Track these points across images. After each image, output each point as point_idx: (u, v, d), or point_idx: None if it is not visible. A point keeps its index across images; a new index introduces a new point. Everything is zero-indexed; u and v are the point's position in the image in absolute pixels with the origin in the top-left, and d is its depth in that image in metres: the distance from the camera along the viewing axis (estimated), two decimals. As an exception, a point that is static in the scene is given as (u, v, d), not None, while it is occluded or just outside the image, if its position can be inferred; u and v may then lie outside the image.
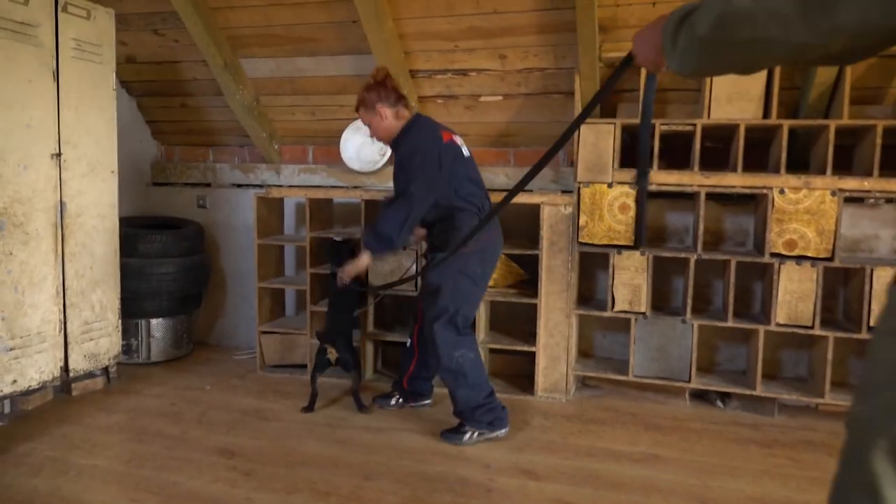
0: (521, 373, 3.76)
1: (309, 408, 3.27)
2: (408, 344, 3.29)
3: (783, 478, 2.62)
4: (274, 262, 4.12)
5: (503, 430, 2.94)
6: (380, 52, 3.58)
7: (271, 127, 4.37)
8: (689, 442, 2.99)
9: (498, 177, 3.95)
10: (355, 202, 4.03)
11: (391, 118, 2.94)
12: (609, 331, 3.80)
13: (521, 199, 3.51)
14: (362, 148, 4.13)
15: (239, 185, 4.55)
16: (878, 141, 3.05)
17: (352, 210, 4.17)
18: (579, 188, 3.44)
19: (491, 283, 3.56)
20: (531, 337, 3.55)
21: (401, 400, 3.35)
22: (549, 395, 3.51)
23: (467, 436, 2.90)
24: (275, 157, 4.45)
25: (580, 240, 3.46)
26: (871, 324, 3.09)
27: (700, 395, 3.59)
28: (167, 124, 4.66)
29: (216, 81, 4.09)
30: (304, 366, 3.88)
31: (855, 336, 3.14)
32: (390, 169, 4.08)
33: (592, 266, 3.76)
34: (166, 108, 4.54)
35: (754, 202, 3.51)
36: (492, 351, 3.92)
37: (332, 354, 3.19)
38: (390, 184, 4.05)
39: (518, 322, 3.85)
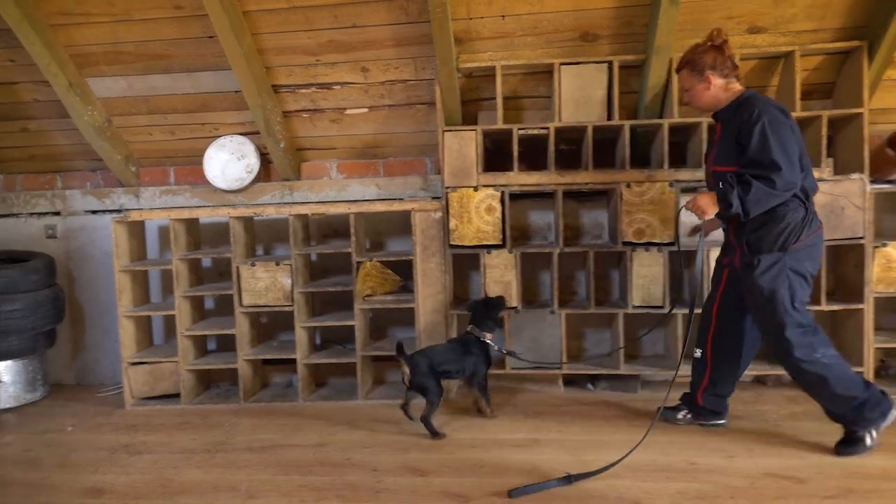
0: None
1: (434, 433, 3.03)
2: (698, 355, 2.97)
3: (647, 444, 2.84)
4: (138, 288, 3.91)
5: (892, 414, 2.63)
6: (239, 68, 3.53)
7: (126, 149, 4.16)
8: (564, 424, 3.16)
9: (368, 188, 4.00)
10: (223, 221, 3.92)
11: (719, 89, 2.66)
12: (486, 329, 3.94)
13: (391, 206, 3.59)
14: (227, 166, 4.03)
15: (94, 212, 4.27)
16: (704, 136, 3.42)
17: (220, 230, 4.04)
18: (447, 193, 3.57)
19: (368, 291, 3.60)
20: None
21: (689, 415, 3.02)
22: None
23: (868, 440, 2.61)
24: (132, 179, 4.23)
25: (451, 242, 3.58)
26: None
27: (572, 381, 3.81)
28: (6, 151, 4.29)
29: (61, 103, 3.84)
30: (177, 395, 3.70)
31: (698, 311, 3.46)
32: (259, 186, 4.02)
33: (465, 267, 3.90)
34: (4, 133, 4.18)
35: (606, 197, 3.81)
36: (374, 359, 3.94)
37: (405, 374, 3.01)
38: (262, 199, 3.99)
39: (398, 328, 3.91)
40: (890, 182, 3.48)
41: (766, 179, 2.46)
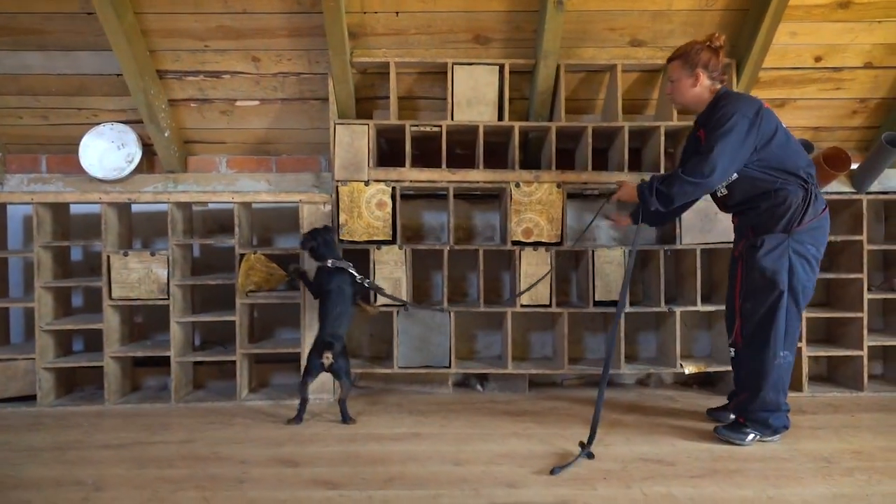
0: (296, 369, 3.66)
1: (297, 418, 3.01)
2: (732, 353, 2.87)
3: (528, 437, 2.84)
4: (-6, 281, 3.58)
5: (779, 436, 2.75)
6: (120, 48, 3.36)
7: (-8, 132, 3.85)
8: (447, 420, 3.12)
9: (259, 183, 3.87)
10: (98, 213, 3.67)
11: (705, 89, 2.73)
12: (374, 327, 3.87)
13: (279, 198, 3.49)
14: (106, 154, 3.80)
15: (-51, 200, 3.90)
16: (590, 141, 3.55)
17: (94, 222, 3.78)
18: (337, 187, 3.51)
19: (251, 287, 3.46)
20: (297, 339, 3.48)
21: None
22: (317, 396, 3.45)
23: (749, 437, 2.70)
24: (-4, 165, 3.91)
25: (341, 237, 3.51)
26: (597, 299, 3.53)
27: (462, 383, 3.78)
28: None
29: (-87, 76, 3.52)
30: (33, 397, 3.38)
31: (584, 310, 3.55)
32: (140, 177, 3.81)
33: (355, 263, 3.79)
34: None
35: (499, 200, 3.86)
36: (257, 360, 3.77)
37: (328, 359, 2.94)
38: (145, 189, 3.77)
39: (286, 328, 3.77)
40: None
41: (697, 171, 2.59)
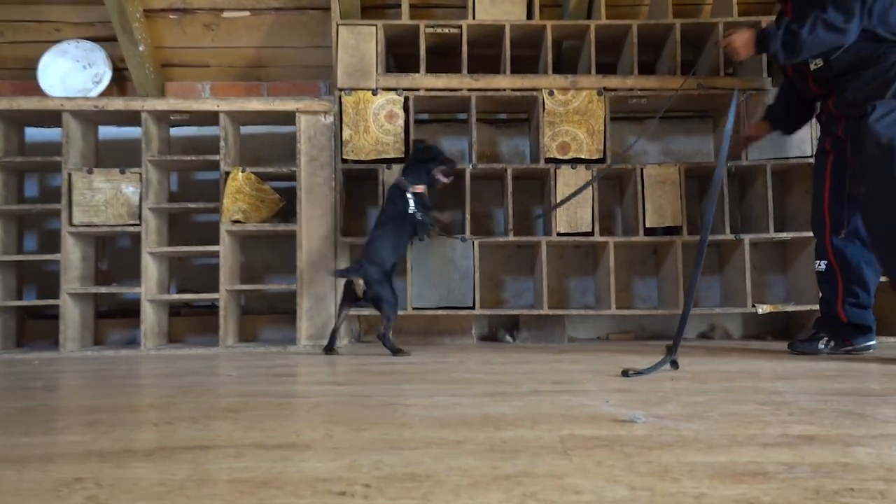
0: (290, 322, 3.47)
1: (329, 347, 2.98)
2: (821, 267, 2.79)
3: (581, 363, 2.61)
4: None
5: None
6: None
7: (-61, 50, 3.76)
8: (472, 353, 2.89)
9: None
10: (55, 139, 3.51)
11: None
12: (385, 275, 3.67)
13: (272, 106, 3.36)
14: (70, 74, 3.70)
15: None
16: (635, 45, 3.42)
17: (51, 150, 3.64)
18: (340, 96, 3.38)
19: (239, 216, 3.30)
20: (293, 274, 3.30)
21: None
22: (316, 342, 3.24)
23: (821, 343, 2.73)
24: (-56, 89, 3.80)
25: (344, 156, 3.36)
26: (648, 225, 3.34)
27: (489, 336, 3.58)
28: None
29: None
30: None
31: (633, 239, 3.35)
32: (109, 101, 3.68)
33: (361, 186, 3.66)
34: None
35: (528, 123, 3.72)
36: (244, 311, 3.58)
37: (359, 286, 2.89)
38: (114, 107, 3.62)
39: (278, 260, 3.59)
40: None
41: (838, 16, 2.49)
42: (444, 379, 2.11)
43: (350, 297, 2.95)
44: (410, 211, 3.04)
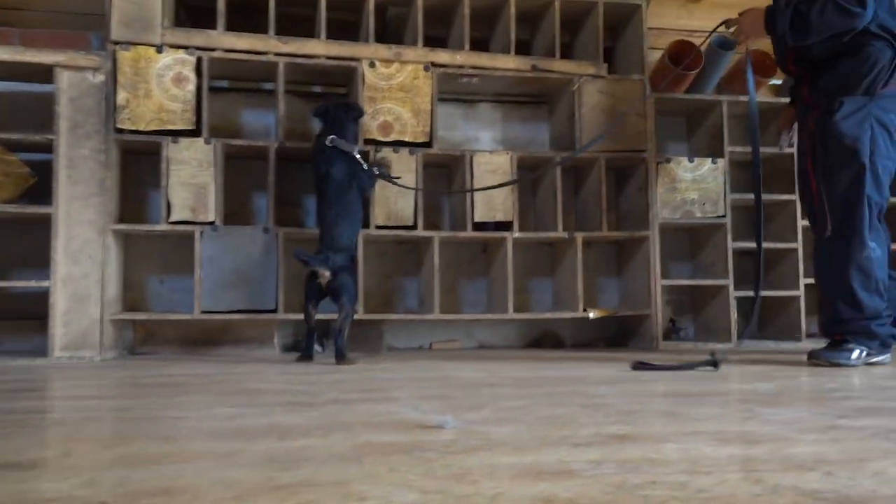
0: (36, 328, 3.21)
1: (306, 353, 2.98)
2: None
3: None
4: None
5: (889, 354, 2.76)
6: None
7: None
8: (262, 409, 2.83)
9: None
10: None
11: None
12: (168, 273, 3.51)
13: (20, 57, 3.10)
14: None
15: None
16: (467, 12, 3.52)
17: None
18: (115, 52, 3.18)
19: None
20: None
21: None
22: (74, 353, 3.02)
23: (855, 354, 2.66)
24: None
25: (119, 125, 3.17)
26: (476, 219, 3.44)
27: (296, 347, 3.52)
28: None
29: None
30: None
31: (461, 235, 3.45)
32: None
33: (140, 162, 3.48)
34: None
35: (346, 95, 3.71)
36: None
37: (324, 278, 2.89)
38: None
39: (29, 251, 3.31)
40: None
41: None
42: (230, 390, 2.04)
43: (315, 293, 2.95)
44: (370, 171, 3.14)
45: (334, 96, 3.28)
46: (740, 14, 2.92)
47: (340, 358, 2.86)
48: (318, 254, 2.94)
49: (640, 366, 2.49)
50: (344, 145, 3.06)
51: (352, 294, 2.99)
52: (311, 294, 2.96)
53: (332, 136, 3.05)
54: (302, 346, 3.08)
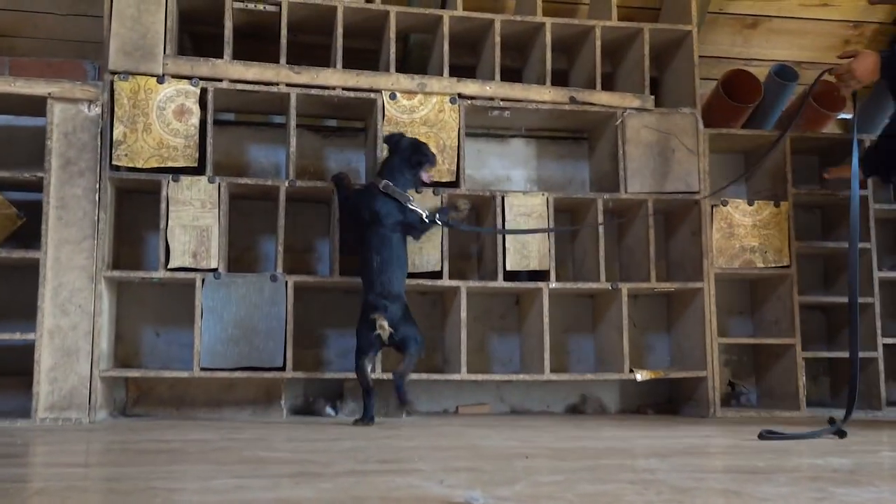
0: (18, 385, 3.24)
1: (366, 416, 3.02)
2: None
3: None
4: None
5: None
6: None
7: None
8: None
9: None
10: None
11: None
12: (165, 324, 3.53)
13: (12, 89, 3.18)
14: None
15: None
16: (498, 39, 3.56)
17: None
18: (112, 82, 3.25)
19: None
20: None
21: None
22: (60, 414, 3.03)
23: None
24: None
25: (115, 162, 3.22)
26: (509, 268, 3.44)
27: (304, 408, 3.51)
28: None
29: None
30: None
31: (491, 285, 3.44)
32: None
33: (137, 203, 3.54)
34: None
35: (364, 133, 3.75)
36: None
37: (384, 329, 2.95)
38: None
39: (14, 300, 3.36)
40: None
41: None
42: (233, 459, 2.03)
43: (373, 344, 3.02)
44: (430, 221, 3.19)
45: (400, 136, 3.30)
46: (842, 56, 3.13)
47: (403, 402, 3.01)
48: (366, 304, 3.02)
49: (768, 435, 2.52)
50: (398, 194, 3.14)
51: (419, 342, 3.09)
52: (368, 348, 3.04)
53: (385, 182, 3.13)
54: (360, 409, 3.15)
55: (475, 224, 3.71)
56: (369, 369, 3.06)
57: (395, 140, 3.24)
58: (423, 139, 3.44)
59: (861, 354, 3.66)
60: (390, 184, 3.14)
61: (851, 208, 2.86)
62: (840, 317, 3.93)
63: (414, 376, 3.48)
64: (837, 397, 3.92)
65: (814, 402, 3.79)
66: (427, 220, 3.18)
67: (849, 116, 4.09)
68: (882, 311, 3.71)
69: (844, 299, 3.68)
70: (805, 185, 3.79)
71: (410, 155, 3.20)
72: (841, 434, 2.58)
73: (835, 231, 4.01)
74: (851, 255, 2.83)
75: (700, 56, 3.80)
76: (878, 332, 3.68)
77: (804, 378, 3.60)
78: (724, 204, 3.66)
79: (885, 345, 3.69)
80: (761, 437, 2.52)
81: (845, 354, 3.63)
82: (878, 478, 1.74)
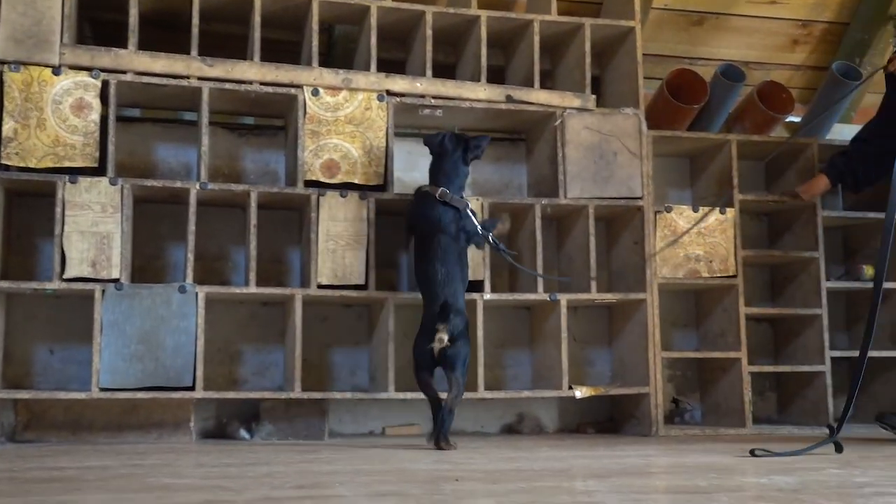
0: None
1: (439, 434, 2.95)
2: None
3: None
4: None
5: None
6: None
7: None
8: None
9: None
10: None
11: None
12: (60, 341, 3.46)
13: None
14: None
15: None
16: (429, 32, 3.58)
17: None
18: (2, 72, 3.20)
19: None
20: None
21: None
22: None
23: None
24: None
25: (4, 161, 3.17)
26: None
27: (217, 432, 3.47)
28: None
29: None
30: None
31: (417, 294, 3.44)
32: None
33: (29, 206, 3.48)
34: None
35: (285, 131, 3.73)
36: None
37: (441, 341, 2.97)
38: None
39: None
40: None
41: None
42: (135, 486, 2.00)
43: (429, 361, 3.03)
44: (482, 232, 3.26)
45: (441, 136, 3.34)
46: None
47: (444, 441, 2.93)
48: (428, 316, 3.06)
49: (759, 453, 2.60)
50: (456, 201, 3.21)
51: (466, 366, 3.08)
52: (425, 363, 3.05)
53: (442, 189, 3.20)
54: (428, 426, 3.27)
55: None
56: (432, 382, 3.06)
57: (436, 142, 3.31)
58: (347, 139, 3.46)
59: (807, 368, 3.80)
60: (447, 191, 3.20)
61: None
62: (788, 328, 4.04)
63: (337, 395, 3.49)
64: (784, 413, 4.02)
65: (760, 419, 3.89)
66: (480, 232, 3.27)
67: (797, 119, 4.22)
68: (829, 323, 3.81)
69: (792, 310, 3.85)
70: (752, 191, 3.89)
71: (463, 153, 3.30)
72: (838, 447, 2.68)
73: (781, 239, 4.12)
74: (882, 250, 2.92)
75: (644, 54, 3.87)
76: (826, 344, 3.78)
77: (750, 393, 3.69)
78: (668, 210, 3.73)
79: (832, 358, 3.79)
80: (753, 454, 2.59)
81: (792, 368, 3.78)
82: (822, 497, 1.79)
